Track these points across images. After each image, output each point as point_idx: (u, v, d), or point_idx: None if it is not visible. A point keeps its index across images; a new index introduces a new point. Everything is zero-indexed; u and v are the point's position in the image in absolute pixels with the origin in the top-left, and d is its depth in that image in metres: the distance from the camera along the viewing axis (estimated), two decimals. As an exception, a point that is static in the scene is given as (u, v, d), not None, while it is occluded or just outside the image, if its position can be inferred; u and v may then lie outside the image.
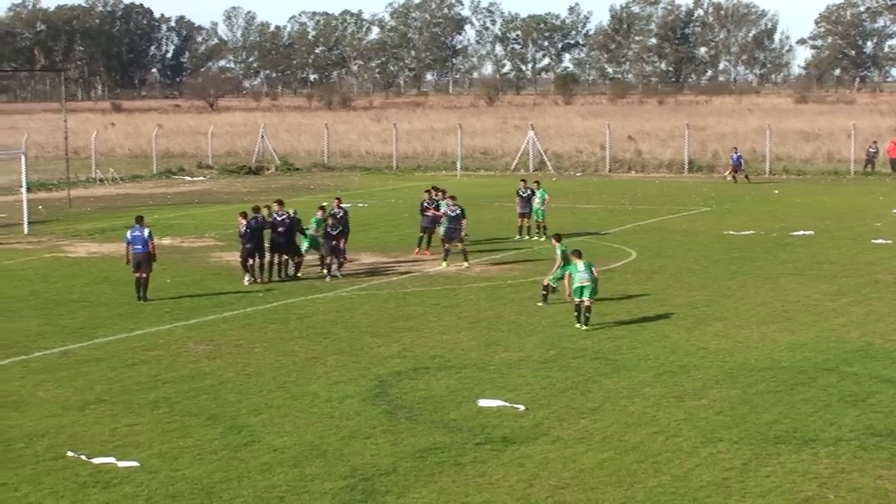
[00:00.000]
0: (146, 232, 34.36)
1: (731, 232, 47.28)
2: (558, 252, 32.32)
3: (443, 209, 40.26)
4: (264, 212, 37.36)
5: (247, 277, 36.25)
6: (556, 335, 28.74)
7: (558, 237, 33.35)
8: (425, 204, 42.32)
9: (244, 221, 36.48)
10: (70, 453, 19.66)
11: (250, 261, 36.49)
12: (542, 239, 44.25)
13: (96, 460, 19.28)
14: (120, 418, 21.84)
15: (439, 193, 42.52)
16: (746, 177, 70.06)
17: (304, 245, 38.06)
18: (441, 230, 39.88)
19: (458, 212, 39.34)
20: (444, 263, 39.26)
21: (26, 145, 67.13)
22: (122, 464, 19.12)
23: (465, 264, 39.22)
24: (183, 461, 19.31)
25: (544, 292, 32.46)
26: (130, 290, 34.11)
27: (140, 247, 34.10)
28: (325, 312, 31.96)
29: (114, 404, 22.87)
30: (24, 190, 52.29)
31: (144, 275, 33.98)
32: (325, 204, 39.00)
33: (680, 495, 17.77)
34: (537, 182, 48.61)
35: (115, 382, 24.52)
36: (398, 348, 27.50)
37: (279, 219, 37.26)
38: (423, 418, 21.76)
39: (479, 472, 18.71)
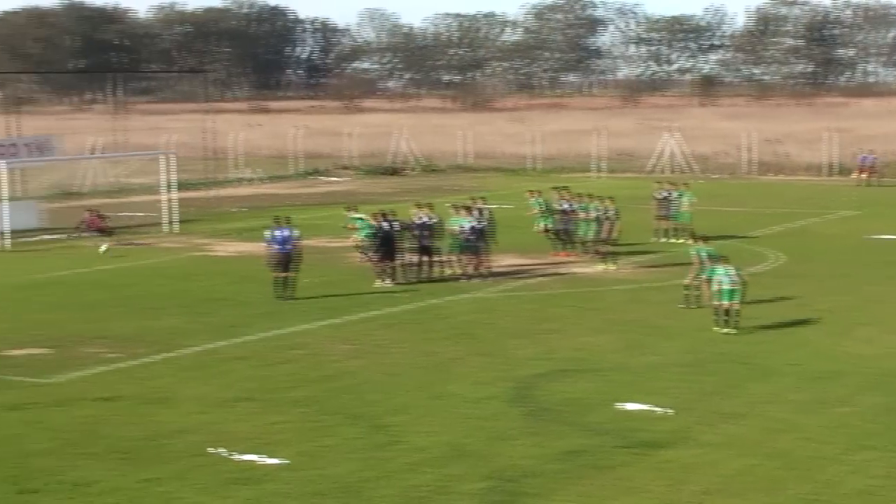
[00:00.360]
0: (292, 232, 34.75)
1: (876, 236, 46.43)
2: (694, 253, 31.96)
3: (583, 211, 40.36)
4: (413, 212, 37.67)
5: (383, 280, 36.38)
6: (698, 339, 28.45)
7: (699, 238, 32.98)
8: (561, 205, 42.18)
9: (376, 223, 36.77)
10: (215, 450, 19.91)
11: (386, 263, 36.63)
12: (689, 242, 43.81)
13: (241, 457, 19.50)
14: (264, 416, 22.06)
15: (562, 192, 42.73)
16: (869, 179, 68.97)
17: (447, 246, 38.12)
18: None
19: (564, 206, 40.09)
20: (604, 265, 39.17)
21: (171, 146, 68.19)
22: (266, 461, 19.31)
23: (608, 266, 39.05)
24: (326, 460, 19.44)
25: (686, 293, 32.12)
26: (273, 289, 34.46)
27: (282, 246, 34.47)
28: (466, 313, 32.00)
29: (258, 402, 23.12)
30: (169, 190, 53.13)
31: (291, 274, 34.35)
32: (469, 204, 39.07)
33: (825, 502, 17.48)
34: (686, 184, 48.23)
35: (259, 380, 24.79)
36: (540, 350, 27.43)
37: (424, 221, 37.45)
38: (565, 420, 21.67)
39: (623, 476, 18.58)
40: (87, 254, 44.83)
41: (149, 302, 34.50)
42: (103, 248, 44.58)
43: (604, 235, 39.47)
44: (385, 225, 36.80)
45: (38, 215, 54.71)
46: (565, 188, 43.92)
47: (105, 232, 48.48)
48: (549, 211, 42.88)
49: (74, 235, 49.09)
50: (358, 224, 40.00)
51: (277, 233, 34.75)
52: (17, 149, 56.79)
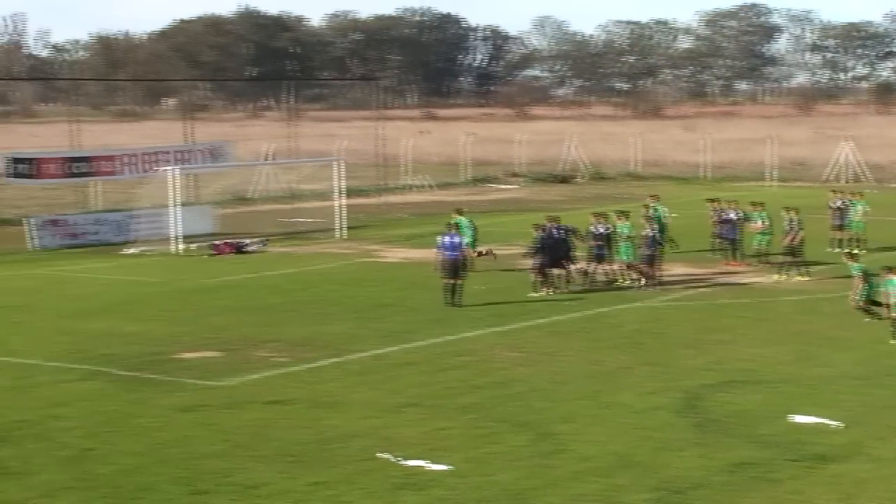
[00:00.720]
0: (461, 239, 34.93)
1: None
2: (855, 272, 31.20)
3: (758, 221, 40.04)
4: (591, 221, 37.62)
5: (543, 289, 36.29)
6: (874, 351, 27.84)
7: (852, 255, 32.33)
8: (731, 215, 41.77)
9: (538, 232, 36.73)
10: (383, 454, 20.04)
11: (548, 271, 36.52)
12: (862, 252, 42.95)
13: (408, 463, 19.60)
14: (431, 422, 22.14)
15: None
16: None
17: (620, 254, 37.77)
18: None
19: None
20: (779, 276, 38.66)
21: (342, 152, 68.95)
22: (433, 467, 19.37)
23: (785, 276, 38.49)
24: (493, 466, 19.44)
25: (864, 310, 31.24)
26: (442, 295, 34.60)
27: (451, 252, 34.64)
28: (634, 322, 31.76)
29: (425, 408, 23.22)
30: (340, 196, 53.72)
31: (460, 280, 34.50)
32: (652, 203, 38.83)
33: None
34: (860, 193, 47.30)
35: (426, 386, 24.89)
36: (709, 360, 27.11)
37: (601, 231, 37.34)
38: (733, 432, 21.36)
39: (793, 490, 18.24)
40: (260, 258, 45.57)
41: (319, 307, 34.92)
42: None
43: (786, 245, 38.85)
44: (554, 232, 36.74)
45: (213, 220, 55.76)
46: (733, 200, 43.33)
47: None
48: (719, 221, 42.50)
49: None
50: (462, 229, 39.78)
51: (447, 239, 34.94)
52: (192, 154, 58.01)
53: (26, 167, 52.49)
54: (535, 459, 19.81)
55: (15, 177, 52.92)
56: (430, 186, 76.12)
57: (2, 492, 18.35)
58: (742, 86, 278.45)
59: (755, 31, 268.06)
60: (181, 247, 48.18)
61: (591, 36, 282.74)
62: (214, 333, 30.94)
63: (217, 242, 48.66)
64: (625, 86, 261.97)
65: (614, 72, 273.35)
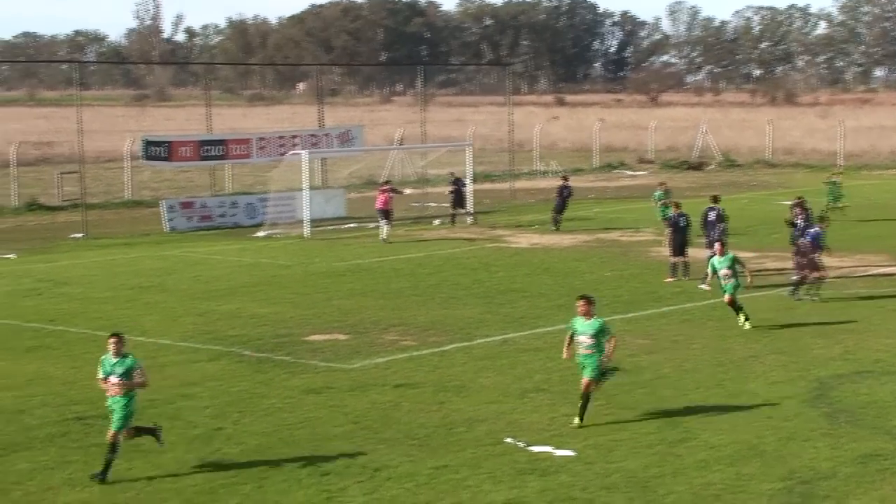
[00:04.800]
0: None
1: None
2: None
3: None
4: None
5: (674, 275, 36.05)
6: None
7: None
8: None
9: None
10: (508, 440, 20.02)
11: (678, 258, 36.23)
12: None
13: (533, 448, 19.56)
14: (557, 408, 22.07)
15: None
16: None
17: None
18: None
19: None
20: None
21: (472, 137, 69.00)
22: (558, 453, 19.31)
23: None
24: (618, 454, 19.33)
25: None
26: (570, 281, 34.52)
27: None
28: (765, 311, 31.33)
29: (551, 394, 23.16)
30: (470, 181, 53.76)
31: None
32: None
33: None
34: None
35: (553, 372, 24.81)
36: (840, 350, 26.67)
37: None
38: (864, 423, 21.00)
39: (925, 484, 17.89)
40: (388, 244, 45.78)
41: (447, 291, 34.99)
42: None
43: None
44: (681, 219, 36.46)
45: (343, 204, 56.16)
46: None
47: (388, 215, 47.15)
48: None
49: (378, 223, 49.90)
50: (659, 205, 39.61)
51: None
52: (324, 139, 58.44)
53: (161, 150, 53.27)
54: (661, 447, 19.66)
55: (150, 159, 53.74)
56: (558, 174, 75.83)
57: (133, 469, 18.65)
58: (879, 73, 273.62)
59: (893, 16, 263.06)
60: (310, 230, 48.60)
61: (724, 22, 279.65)
62: (342, 316, 31.16)
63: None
64: (758, 72, 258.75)
65: (748, 58, 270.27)
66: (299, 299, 33.97)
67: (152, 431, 19.25)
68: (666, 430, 20.63)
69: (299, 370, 25.28)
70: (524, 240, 46.60)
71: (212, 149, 54.91)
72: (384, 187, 47.65)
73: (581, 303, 21.48)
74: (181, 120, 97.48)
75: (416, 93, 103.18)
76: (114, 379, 18.38)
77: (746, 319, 29.09)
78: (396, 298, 33.78)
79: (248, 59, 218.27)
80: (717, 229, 35.98)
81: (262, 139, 57.02)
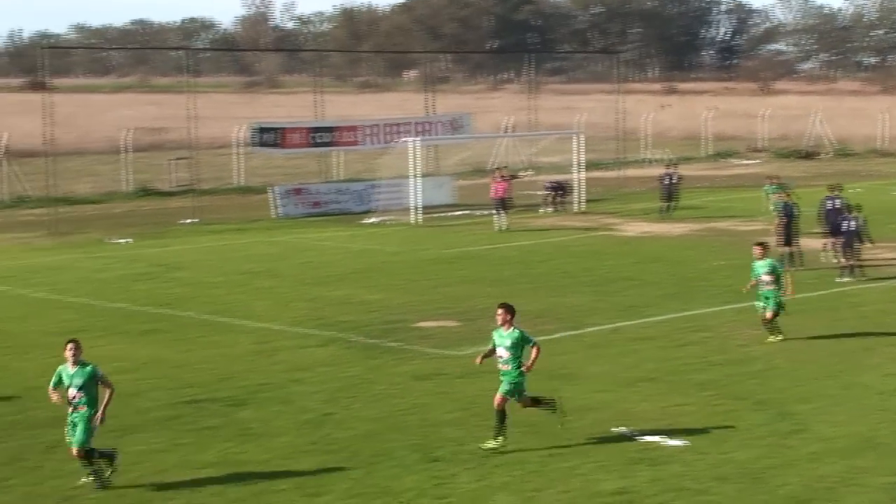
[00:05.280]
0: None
1: None
2: None
3: None
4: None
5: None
6: None
7: None
8: None
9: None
10: (618, 429, 19.91)
11: (785, 248, 35.76)
12: None
13: (643, 438, 19.43)
14: (668, 397, 21.91)
15: None
16: None
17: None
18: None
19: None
20: None
21: (581, 125, 68.70)
22: (668, 443, 19.17)
23: None
24: (729, 444, 19.13)
25: None
26: (681, 270, 34.27)
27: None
28: (878, 302, 30.87)
29: (662, 383, 22.99)
30: (578, 169, 53.56)
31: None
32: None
33: None
34: None
35: (663, 361, 24.65)
36: (956, 343, 26.20)
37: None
38: (981, 418, 20.62)
39: None
40: (497, 232, 45.75)
41: (556, 279, 34.90)
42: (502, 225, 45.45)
43: None
44: (791, 208, 36.04)
45: (451, 191, 56.22)
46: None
47: (506, 205, 46.90)
48: None
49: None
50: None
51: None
52: (433, 126, 58.55)
53: (272, 136, 53.70)
54: (773, 438, 19.43)
55: (261, 146, 54.19)
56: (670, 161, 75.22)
57: (244, 453, 18.82)
58: None
59: None
60: (420, 217, 48.72)
61: (838, 9, 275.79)
62: (452, 303, 31.20)
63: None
64: (873, 60, 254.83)
65: (862, 46, 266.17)
66: (409, 286, 34.08)
67: None
68: (778, 421, 20.39)
69: (409, 356, 25.36)
70: (634, 228, 46.35)
71: (322, 135, 55.26)
72: (500, 176, 47.34)
73: (500, 311, 19.65)
74: (291, 107, 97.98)
75: (525, 81, 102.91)
76: (73, 391, 17.06)
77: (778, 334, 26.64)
78: (506, 286, 33.74)
79: (357, 46, 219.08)
80: (846, 220, 34.68)
81: (371, 126, 57.26)
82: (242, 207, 54.75)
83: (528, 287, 33.58)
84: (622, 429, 19.86)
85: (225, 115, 79.44)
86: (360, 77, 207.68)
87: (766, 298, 26.47)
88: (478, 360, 19.87)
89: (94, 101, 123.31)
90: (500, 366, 19.31)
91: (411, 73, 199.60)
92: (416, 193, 49.20)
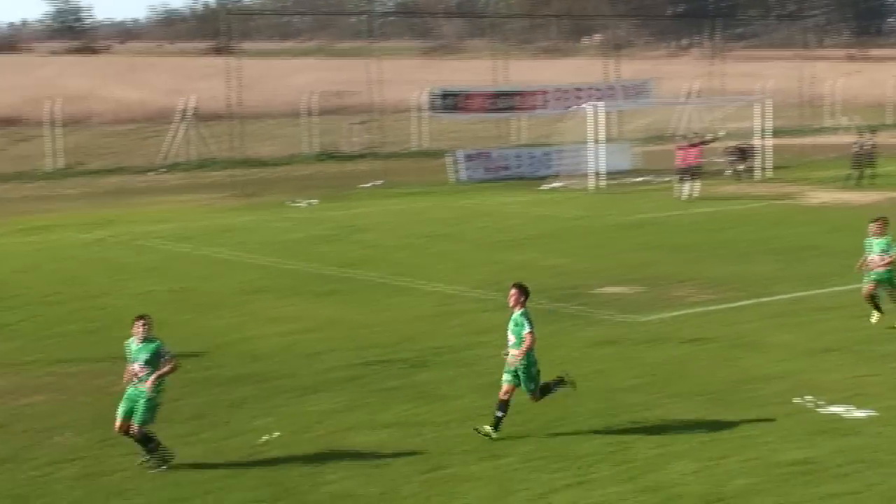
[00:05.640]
0: None
1: None
2: None
3: None
4: None
5: None
6: None
7: None
8: None
9: None
10: (801, 399, 19.55)
11: None
12: None
13: (828, 409, 19.05)
14: (853, 368, 21.43)
15: None
16: None
17: None
18: None
19: None
20: None
21: (766, 92, 67.55)
22: (854, 414, 18.76)
23: None
24: (919, 418, 18.67)
25: None
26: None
27: None
28: None
29: (847, 353, 22.50)
30: (763, 136, 52.72)
31: None
32: None
33: None
34: None
35: (848, 332, 24.12)
36: None
37: None
38: None
39: None
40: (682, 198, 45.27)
41: (740, 247, 34.44)
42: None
43: None
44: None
45: (632, 157, 55.80)
46: None
47: (695, 172, 45.97)
48: None
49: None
50: None
51: None
52: (615, 92, 58.13)
53: (452, 101, 53.87)
54: (965, 413, 18.91)
55: (441, 110, 54.39)
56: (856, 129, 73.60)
57: (424, 414, 18.92)
58: None
59: None
60: (603, 183, 48.46)
61: None
62: (633, 269, 30.99)
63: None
64: None
65: None
66: (590, 251, 33.94)
67: None
68: (970, 395, 19.83)
69: (590, 322, 25.25)
70: (820, 196, 45.48)
71: (502, 100, 55.29)
72: (689, 143, 46.48)
73: (512, 291, 18.16)
74: (471, 71, 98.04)
75: (709, 46, 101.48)
76: (137, 367, 16.46)
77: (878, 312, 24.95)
78: (689, 252, 33.40)
79: (539, 11, 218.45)
80: None
81: (552, 91, 57.08)
82: (423, 171, 55.08)
83: (711, 254, 33.19)
84: (806, 398, 19.49)
85: (406, 79, 79.82)
86: (541, 42, 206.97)
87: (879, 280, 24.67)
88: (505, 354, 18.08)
89: (277, 65, 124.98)
90: (508, 349, 18.00)
91: (592, 39, 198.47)
92: (596, 159, 48.96)
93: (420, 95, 62.22)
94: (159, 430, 17.52)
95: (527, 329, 17.65)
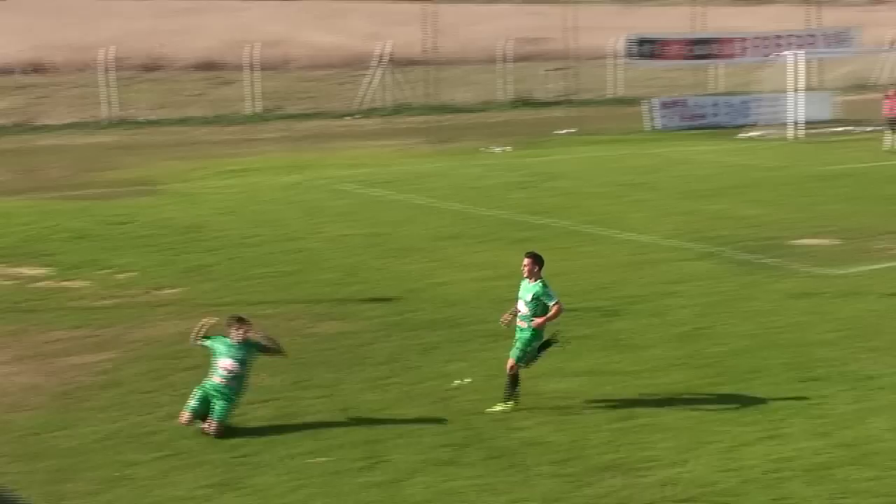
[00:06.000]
0: None
1: None
2: None
3: None
4: None
5: None
6: None
7: None
8: None
9: None
10: None
11: None
12: None
13: None
14: None
15: None
16: None
17: None
18: None
19: None
20: None
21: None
22: None
23: None
24: None
25: None
26: None
27: None
28: None
29: None
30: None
31: None
32: None
33: None
34: None
35: None
36: None
37: None
38: None
39: None
40: (879, 147, 44.20)
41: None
42: None
43: None
44: None
45: (832, 107, 54.61)
46: None
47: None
48: None
49: None
50: None
51: None
52: (816, 40, 56.86)
53: (649, 48, 53.34)
54: None
55: (637, 57, 53.90)
56: None
57: (616, 363, 18.85)
58: None
59: None
60: (802, 132, 47.56)
61: None
62: (830, 221, 30.38)
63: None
64: None
65: None
66: (786, 202, 33.37)
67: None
68: None
69: (785, 274, 24.84)
70: None
71: (699, 48, 54.62)
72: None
73: (526, 261, 16.87)
74: (668, 18, 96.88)
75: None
76: (230, 363, 15.77)
77: None
78: (889, 205, 32.60)
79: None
80: None
81: (751, 39, 56.10)
82: (618, 119, 54.71)
83: (907, 207, 32.41)
84: None
85: (602, 26, 79.20)
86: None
87: None
88: (504, 319, 17.23)
89: (472, 11, 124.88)
90: (518, 322, 16.91)
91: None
92: (795, 108, 48.04)
93: (616, 42, 61.69)
94: (351, 374, 17.83)
95: (553, 301, 16.53)
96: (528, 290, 16.74)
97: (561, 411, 16.63)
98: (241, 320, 16.05)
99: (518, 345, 16.77)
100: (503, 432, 15.86)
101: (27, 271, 25.53)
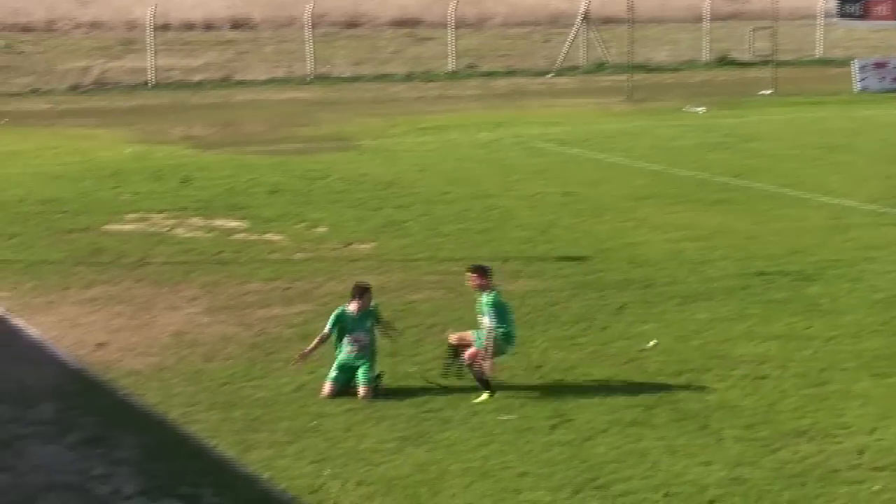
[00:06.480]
0: None
1: None
2: None
3: None
4: None
5: None
6: None
7: None
8: None
9: None
10: None
11: None
12: None
13: None
14: None
15: None
16: None
17: None
18: None
19: None
20: None
21: None
22: None
23: None
24: None
25: None
26: None
27: None
28: None
29: None
30: None
31: None
32: None
33: None
34: None
35: None
36: None
37: None
38: None
39: None
40: None
41: None
42: None
43: None
44: None
45: None
46: None
47: None
48: None
49: None
50: None
51: None
52: None
53: (856, 8, 52.08)
54: None
55: (844, 17, 52.68)
56: None
57: (811, 328, 18.48)
58: None
59: None
60: None
61: None
62: None
63: None
64: None
65: None
66: None
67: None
68: None
69: None
70: None
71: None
72: None
73: (470, 276, 16.03)
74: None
75: None
76: (361, 335, 15.77)
77: None
78: None
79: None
80: None
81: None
82: (821, 80, 53.53)
83: None
84: None
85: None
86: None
87: None
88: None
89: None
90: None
91: None
92: None
93: (823, 2, 60.38)
94: (541, 333, 17.81)
95: (492, 323, 15.57)
96: (483, 304, 15.70)
97: (752, 375, 16.39)
98: (361, 292, 15.85)
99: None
100: (693, 394, 15.70)
101: (225, 223, 26.04)
